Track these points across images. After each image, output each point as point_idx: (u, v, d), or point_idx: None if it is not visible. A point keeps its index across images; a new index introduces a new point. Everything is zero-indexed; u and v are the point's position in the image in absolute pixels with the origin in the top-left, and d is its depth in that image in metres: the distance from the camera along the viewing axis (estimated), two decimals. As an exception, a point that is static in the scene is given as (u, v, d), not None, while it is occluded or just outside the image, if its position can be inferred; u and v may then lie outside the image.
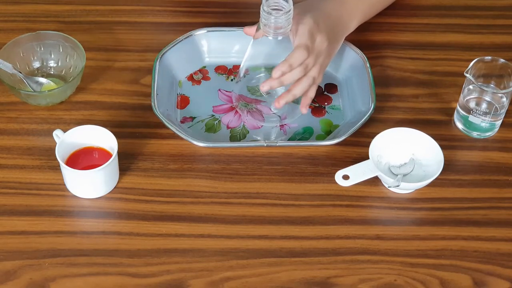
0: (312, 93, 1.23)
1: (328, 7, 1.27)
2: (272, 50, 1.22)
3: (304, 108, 1.24)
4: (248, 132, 1.27)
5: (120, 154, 1.18)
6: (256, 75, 1.27)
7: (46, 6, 1.44)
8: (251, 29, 1.23)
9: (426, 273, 1.11)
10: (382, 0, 1.38)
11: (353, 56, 1.32)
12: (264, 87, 1.20)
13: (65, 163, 1.14)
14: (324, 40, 1.22)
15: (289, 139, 1.25)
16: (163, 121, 1.22)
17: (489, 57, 1.24)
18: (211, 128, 1.27)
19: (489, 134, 1.27)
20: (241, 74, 1.25)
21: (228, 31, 1.36)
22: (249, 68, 1.26)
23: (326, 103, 1.31)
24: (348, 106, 1.30)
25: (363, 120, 1.23)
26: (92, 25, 1.41)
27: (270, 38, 1.19)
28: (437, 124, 1.28)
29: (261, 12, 1.16)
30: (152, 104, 1.24)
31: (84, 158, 1.18)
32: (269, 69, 1.24)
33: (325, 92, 1.32)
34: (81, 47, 1.28)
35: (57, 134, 1.18)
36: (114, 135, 1.17)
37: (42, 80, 1.30)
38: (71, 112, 1.28)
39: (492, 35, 1.42)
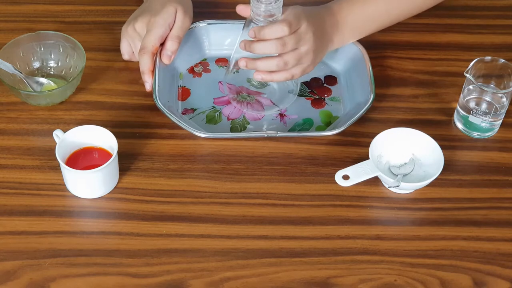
0: (277, 77, 1.20)
1: (324, 17, 1.25)
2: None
3: (258, 75, 1.20)
4: (249, 124, 1.27)
5: (120, 154, 1.18)
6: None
7: (46, 6, 1.44)
8: (246, 9, 1.19)
9: (426, 273, 1.11)
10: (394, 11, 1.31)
11: (352, 48, 1.32)
12: (240, 63, 1.19)
13: (65, 163, 1.14)
14: (309, 30, 1.19)
15: (289, 130, 1.26)
16: (165, 112, 1.22)
17: (489, 57, 1.24)
18: (212, 119, 1.27)
19: (489, 134, 1.27)
20: (231, 66, 1.25)
21: (229, 23, 1.36)
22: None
23: (325, 95, 1.31)
24: (348, 98, 1.30)
25: (363, 110, 1.23)
26: (92, 25, 1.41)
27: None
28: (437, 124, 1.28)
29: (251, 1, 1.16)
30: (154, 95, 1.24)
31: (84, 158, 1.18)
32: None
33: (325, 84, 1.33)
34: (81, 47, 1.28)
35: (57, 134, 1.18)
36: (114, 135, 1.17)
37: (42, 80, 1.30)
38: (71, 112, 1.28)
39: (492, 35, 1.42)
